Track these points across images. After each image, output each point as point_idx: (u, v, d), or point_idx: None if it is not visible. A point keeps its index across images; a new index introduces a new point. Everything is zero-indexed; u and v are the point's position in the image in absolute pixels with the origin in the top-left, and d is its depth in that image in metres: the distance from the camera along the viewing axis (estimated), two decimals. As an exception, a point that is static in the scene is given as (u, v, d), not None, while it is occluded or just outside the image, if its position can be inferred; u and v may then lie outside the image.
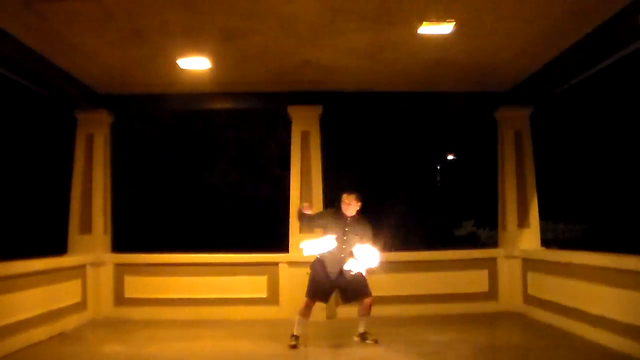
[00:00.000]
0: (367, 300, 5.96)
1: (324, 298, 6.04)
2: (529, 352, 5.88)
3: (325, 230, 5.92)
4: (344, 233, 5.87)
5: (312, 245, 5.84)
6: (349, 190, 6.04)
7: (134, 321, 7.22)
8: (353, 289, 5.93)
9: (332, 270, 5.86)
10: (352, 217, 5.96)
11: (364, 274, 5.84)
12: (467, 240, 17.69)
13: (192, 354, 5.86)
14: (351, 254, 5.82)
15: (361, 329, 6.08)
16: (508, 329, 7.07)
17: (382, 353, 5.71)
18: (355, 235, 5.88)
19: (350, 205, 5.93)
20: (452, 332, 6.54)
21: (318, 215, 6.21)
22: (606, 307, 5.74)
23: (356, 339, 6.09)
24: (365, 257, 5.74)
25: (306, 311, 5.91)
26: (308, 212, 6.03)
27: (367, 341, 6.01)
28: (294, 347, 5.81)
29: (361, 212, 6.03)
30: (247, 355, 5.78)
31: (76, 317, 7.04)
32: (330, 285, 5.93)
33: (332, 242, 5.77)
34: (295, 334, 5.87)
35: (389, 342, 6.04)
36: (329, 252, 5.83)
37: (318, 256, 5.93)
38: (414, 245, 13.39)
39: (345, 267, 5.80)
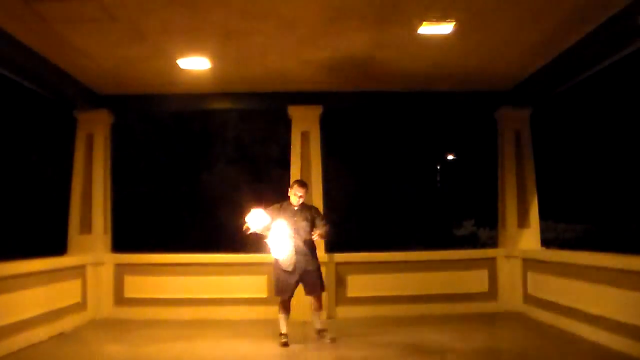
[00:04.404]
0: (319, 295, 6.07)
1: (290, 292, 6.00)
2: (528, 352, 5.87)
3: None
4: (294, 222, 5.96)
5: (256, 221, 5.79)
6: (302, 182, 6.24)
7: (134, 321, 7.22)
8: (309, 282, 5.99)
9: (287, 262, 5.88)
10: (300, 205, 6.07)
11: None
12: (467, 240, 17.69)
13: (192, 354, 5.85)
14: (303, 240, 5.92)
15: (317, 325, 6.14)
16: (508, 329, 7.06)
17: (382, 353, 5.71)
18: (304, 220, 5.98)
19: (302, 197, 6.06)
20: (452, 332, 6.53)
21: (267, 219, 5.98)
22: (606, 307, 5.74)
23: (315, 336, 6.13)
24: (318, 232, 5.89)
25: (283, 308, 6.03)
26: (254, 229, 5.87)
27: (326, 340, 6.03)
28: (285, 344, 5.89)
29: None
30: (247, 355, 5.77)
31: (76, 317, 7.04)
32: (290, 280, 5.93)
33: (284, 226, 5.82)
34: (282, 332, 5.98)
35: (389, 342, 6.03)
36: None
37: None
38: (414, 245, 13.40)
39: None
